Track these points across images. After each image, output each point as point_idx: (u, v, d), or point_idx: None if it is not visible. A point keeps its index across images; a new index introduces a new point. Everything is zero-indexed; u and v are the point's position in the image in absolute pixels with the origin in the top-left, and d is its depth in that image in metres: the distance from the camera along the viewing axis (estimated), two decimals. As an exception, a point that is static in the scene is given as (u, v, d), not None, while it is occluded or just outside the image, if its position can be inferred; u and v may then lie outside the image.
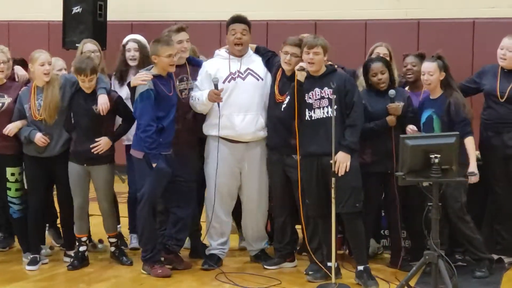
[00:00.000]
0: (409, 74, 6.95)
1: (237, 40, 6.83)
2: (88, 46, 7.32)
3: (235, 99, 6.77)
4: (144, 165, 6.52)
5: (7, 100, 6.85)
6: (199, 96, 6.76)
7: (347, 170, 6.24)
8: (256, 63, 6.91)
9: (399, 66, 7.13)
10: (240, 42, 6.84)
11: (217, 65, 6.86)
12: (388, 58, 7.00)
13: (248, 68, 6.85)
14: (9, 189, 6.91)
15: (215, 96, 6.65)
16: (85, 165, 6.79)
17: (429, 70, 6.56)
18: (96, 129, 6.76)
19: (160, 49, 6.55)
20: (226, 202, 6.96)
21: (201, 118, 6.93)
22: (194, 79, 6.91)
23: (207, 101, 6.70)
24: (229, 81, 6.79)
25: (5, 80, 6.92)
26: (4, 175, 6.89)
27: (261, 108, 6.81)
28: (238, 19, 6.89)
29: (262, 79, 6.84)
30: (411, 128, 6.61)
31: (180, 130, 6.77)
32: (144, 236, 6.70)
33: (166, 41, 6.65)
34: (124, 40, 7.42)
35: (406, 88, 7.00)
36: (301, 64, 6.46)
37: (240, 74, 6.82)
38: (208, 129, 6.88)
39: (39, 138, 6.69)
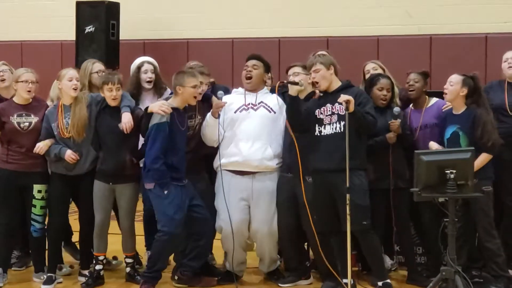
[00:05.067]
0: (411, 90, 6.93)
1: (247, 73, 6.90)
2: (98, 65, 7.32)
3: (245, 127, 6.79)
4: (158, 193, 6.50)
5: (34, 119, 6.90)
6: (204, 121, 6.82)
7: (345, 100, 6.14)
8: (271, 98, 6.92)
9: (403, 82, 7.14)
10: (250, 76, 6.89)
11: (232, 99, 6.92)
12: (381, 71, 7.11)
13: (261, 101, 6.89)
14: (34, 206, 6.93)
15: (216, 106, 6.68)
16: (110, 183, 6.82)
17: (451, 80, 6.56)
18: (121, 147, 6.78)
19: (186, 79, 6.57)
20: (237, 237, 6.82)
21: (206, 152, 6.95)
22: (202, 115, 6.90)
23: (211, 118, 6.73)
24: (240, 111, 6.84)
25: (31, 100, 6.98)
26: (30, 192, 6.92)
27: (270, 139, 6.79)
28: (250, 56, 7.01)
29: (275, 112, 6.84)
30: (432, 144, 6.59)
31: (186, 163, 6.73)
32: (153, 259, 6.66)
33: (192, 72, 6.71)
34: (138, 62, 7.39)
35: (411, 106, 7.01)
36: (290, 78, 6.58)
37: (252, 106, 6.86)
38: (216, 161, 6.87)
39: (70, 155, 6.73)
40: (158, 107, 6.53)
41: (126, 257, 7.07)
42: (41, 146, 6.80)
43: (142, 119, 6.76)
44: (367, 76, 7.19)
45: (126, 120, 6.67)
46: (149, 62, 7.39)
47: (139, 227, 7.37)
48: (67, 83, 6.81)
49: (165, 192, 6.47)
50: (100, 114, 6.84)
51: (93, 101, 6.87)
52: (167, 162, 6.47)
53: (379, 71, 7.13)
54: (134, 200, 6.96)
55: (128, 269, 7.07)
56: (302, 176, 6.59)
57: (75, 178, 6.85)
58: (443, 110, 6.77)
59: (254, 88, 6.93)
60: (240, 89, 7.02)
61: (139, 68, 7.31)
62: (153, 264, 6.64)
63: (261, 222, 6.79)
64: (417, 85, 6.89)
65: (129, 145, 6.82)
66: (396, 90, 7.04)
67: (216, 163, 6.89)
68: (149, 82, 7.29)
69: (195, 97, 6.63)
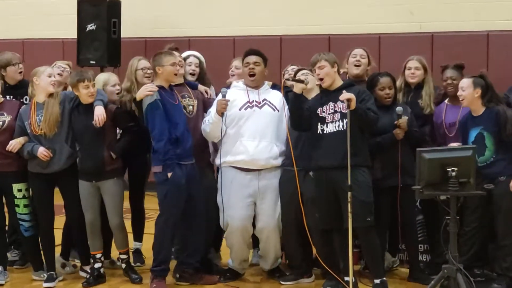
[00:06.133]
0: (450, 88, 6.90)
1: (250, 70, 6.90)
2: (143, 63, 7.29)
3: (250, 125, 6.81)
4: (163, 177, 6.53)
5: (7, 118, 6.91)
6: (208, 118, 6.83)
7: (347, 97, 6.13)
8: (273, 95, 6.94)
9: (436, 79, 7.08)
10: (253, 73, 6.90)
11: (235, 95, 6.91)
12: (422, 71, 7.06)
13: (265, 99, 6.91)
14: (18, 206, 6.92)
15: (222, 105, 6.70)
16: (93, 181, 6.83)
17: (462, 85, 6.54)
18: (99, 144, 6.79)
19: (164, 58, 6.68)
20: (242, 233, 6.87)
21: None
22: (196, 98, 6.99)
23: (216, 116, 6.73)
24: (245, 109, 6.85)
25: (3, 99, 6.99)
26: (11, 193, 6.92)
27: (275, 138, 6.81)
28: (250, 52, 7.01)
29: (278, 111, 6.86)
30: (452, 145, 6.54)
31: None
32: (156, 246, 6.74)
33: (168, 51, 6.82)
34: (184, 54, 7.35)
35: (446, 101, 6.96)
36: (298, 76, 6.60)
37: (256, 103, 6.87)
38: (217, 158, 6.90)
39: (42, 152, 6.71)
40: (144, 90, 6.59)
41: (120, 253, 7.08)
42: (14, 144, 6.79)
43: (116, 113, 6.84)
44: (406, 72, 7.13)
45: (99, 113, 6.67)
46: (195, 56, 7.42)
47: (150, 226, 7.35)
48: (46, 79, 6.80)
49: (169, 174, 6.49)
50: (74, 113, 6.84)
51: (66, 98, 6.85)
52: (170, 137, 6.51)
53: (421, 71, 7.06)
54: (119, 195, 6.93)
55: (123, 265, 7.08)
56: (306, 172, 6.61)
57: (53, 175, 6.82)
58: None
59: (257, 84, 6.94)
60: (241, 84, 7.01)
61: (184, 60, 7.26)
62: (157, 254, 6.68)
63: (268, 217, 6.81)
64: (455, 83, 6.82)
65: (106, 140, 6.83)
66: (432, 90, 7.00)
67: (217, 160, 6.89)
68: (192, 74, 7.28)
69: (175, 74, 6.72)
